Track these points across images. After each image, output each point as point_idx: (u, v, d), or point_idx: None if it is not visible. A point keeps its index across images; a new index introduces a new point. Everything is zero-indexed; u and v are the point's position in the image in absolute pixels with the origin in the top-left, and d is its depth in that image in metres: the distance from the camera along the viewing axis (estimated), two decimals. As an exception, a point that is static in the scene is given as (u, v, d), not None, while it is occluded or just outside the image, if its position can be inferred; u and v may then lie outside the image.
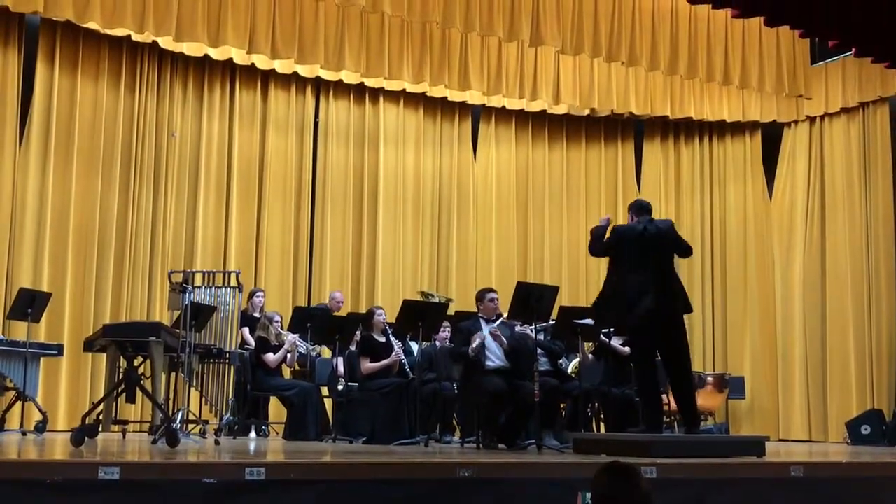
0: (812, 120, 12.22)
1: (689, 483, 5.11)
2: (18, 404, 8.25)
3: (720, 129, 12.85)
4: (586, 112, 12.64)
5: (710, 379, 11.04)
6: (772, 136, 12.62)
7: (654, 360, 6.59)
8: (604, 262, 11.51)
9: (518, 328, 7.62)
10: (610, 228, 6.78)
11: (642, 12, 10.55)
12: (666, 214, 11.73)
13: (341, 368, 8.81)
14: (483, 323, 7.38)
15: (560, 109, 12.56)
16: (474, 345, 7.23)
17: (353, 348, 8.81)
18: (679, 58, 10.71)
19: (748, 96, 12.25)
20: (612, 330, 7.81)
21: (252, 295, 9.55)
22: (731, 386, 11.33)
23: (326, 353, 9.51)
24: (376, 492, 4.55)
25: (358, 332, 8.76)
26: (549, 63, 11.49)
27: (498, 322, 7.41)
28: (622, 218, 12.24)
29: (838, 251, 11.68)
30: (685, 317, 6.65)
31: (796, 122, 12.36)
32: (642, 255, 6.46)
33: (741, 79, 11.06)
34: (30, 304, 8.10)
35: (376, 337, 8.47)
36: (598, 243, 6.78)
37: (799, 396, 11.78)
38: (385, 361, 8.33)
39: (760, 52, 11.11)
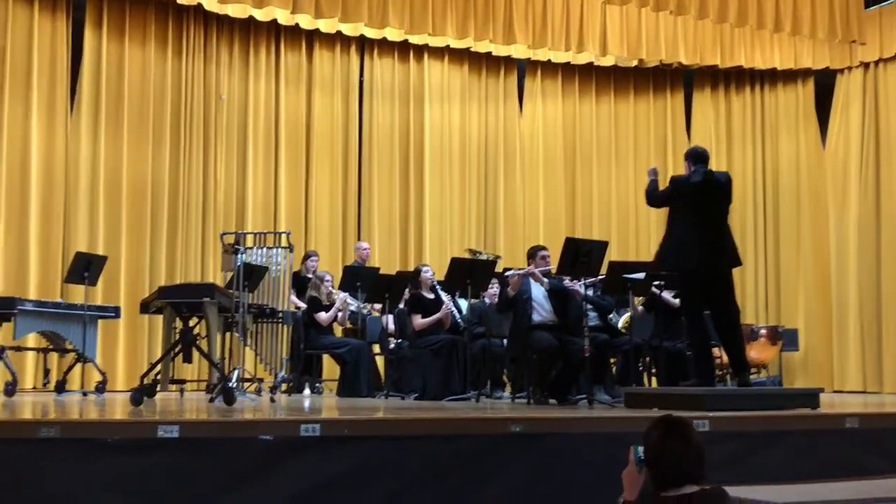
0: (866, 66, 11.93)
1: (741, 436, 5.10)
2: (78, 366, 8.43)
3: (772, 78, 12.60)
4: (634, 63, 12.46)
5: (763, 331, 10.93)
6: (825, 84, 12.34)
7: (703, 312, 6.56)
8: (654, 214, 11.57)
9: (567, 284, 7.59)
10: (668, 179, 6.73)
11: (690, -41, 10.34)
12: (717, 166, 11.54)
13: (391, 326, 8.87)
14: (531, 281, 7.37)
15: (607, 61, 12.39)
16: (511, 281, 7.25)
17: (401, 306, 8.87)
18: (729, 5, 10.48)
19: (800, 43, 11.97)
20: (663, 283, 7.76)
21: (307, 258, 9.63)
22: (785, 338, 11.21)
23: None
24: (429, 447, 4.60)
25: (407, 291, 8.82)
26: (596, 14, 11.33)
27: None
28: (672, 170, 12.16)
29: (893, 199, 11.44)
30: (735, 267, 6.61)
31: (850, 68, 12.07)
32: (697, 206, 6.40)
33: (793, 25, 10.80)
34: (86, 268, 8.25)
35: (425, 294, 8.52)
36: (655, 195, 6.74)
37: (854, 348, 11.63)
38: (436, 315, 8.37)
39: (812, -3, 10.86)
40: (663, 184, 6.77)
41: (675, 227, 6.54)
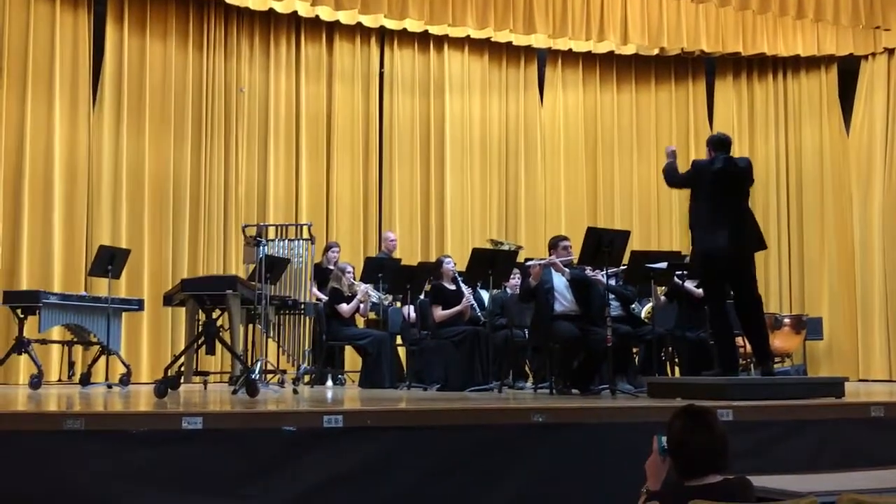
0: (890, 52, 11.79)
1: (765, 425, 5.07)
2: (103, 358, 8.48)
3: (794, 65, 12.49)
4: (655, 52, 12.38)
5: (787, 320, 10.86)
6: (848, 70, 12.22)
7: (726, 301, 6.52)
8: (677, 203, 11.54)
9: (589, 274, 7.57)
10: (690, 163, 6.70)
11: (712, -54, 10.26)
12: (740, 154, 11.41)
13: (413, 315, 8.88)
14: (553, 271, 7.35)
15: (628, 50, 12.31)
16: (532, 272, 7.24)
17: (422, 297, 8.87)
18: (751, -9, 10.41)
19: (823, 29, 11.85)
20: (685, 273, 7.72)
21: (328, 249, 9.65)
22: (809, 327, 11.13)
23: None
24: (451, 437, 4.60)
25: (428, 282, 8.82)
26: (617, 2, 11.26)
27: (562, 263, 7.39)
28: (694, 156, 12.09)
29: (920, 187, 11.34)
30: (759, 254, 6.57)
31: (874, 54, 11.94)
32: (718, 192, 6.36)
33: (815, 12, 10.70)
34: (110, 261, 8.30)
35: (447, 285, 8.51)
36: (674, 175, 6.72)
37: (879, 336, 11.53)
38: (456, 308, 8.37)
39: (835, -18, 10.74)
40: (684, 166, 6.75)
41: (696, 215, 6.51)
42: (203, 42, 10.83)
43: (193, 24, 10.79)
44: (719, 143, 6.58)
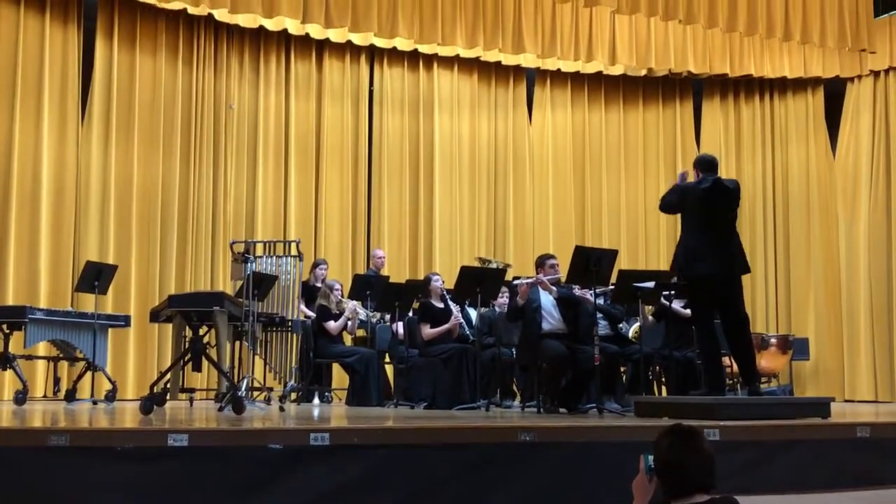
0: (876, 74, 11.90)
1: (752, 445, 5.07)
2: (89, 374, 8.45)
3: (781, 87, 12.59)
4: (643, 72, 12.46)
5: (773, 340, 10.88)
6: (835, 93, 12.32)
7: (713, 321, 6.54)
8: (664, 223, 11.59)
9: (577, 292, 7.58)
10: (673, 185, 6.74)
11: (700, -32, 10.34)
12: (726, 175, 11.52)
13: (401, 333, 8.87)
14: (540, 289, 7.36)
15: (616, 70, 12.39)
16: (519, 290, 7.25)
17: (410, 314, 8.87)
18: (738, 14, 10.48)
19: (810, 52, 11.95)
20: (672, 292, 7.74)
21: (315, 266, 9.64)
22: (795, 347, 11.16)
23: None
24: (439, 456, 4.59)
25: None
26: (605, 23, 11.34)
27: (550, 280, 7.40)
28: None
29: (905, 208, 11.40)
30: (745, 276, 6.59)
31: (860, 77, 12.05)
32: (704, 214, 6.38)
33: (802, 34, 10.79)
34: (97, 277, 8.28)
35: (435, 303, 8.52)
36: (664, 197, 6.75)
37: (865, 357, 11.58)
38: (445, 326, 8.38)
39: (822, 5, 10.83)
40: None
41: (685, 235, 6.54)
42: (193, 58, 10.85)
43: (183, 41, 10.80)
44: (706, 164, 6.60)
